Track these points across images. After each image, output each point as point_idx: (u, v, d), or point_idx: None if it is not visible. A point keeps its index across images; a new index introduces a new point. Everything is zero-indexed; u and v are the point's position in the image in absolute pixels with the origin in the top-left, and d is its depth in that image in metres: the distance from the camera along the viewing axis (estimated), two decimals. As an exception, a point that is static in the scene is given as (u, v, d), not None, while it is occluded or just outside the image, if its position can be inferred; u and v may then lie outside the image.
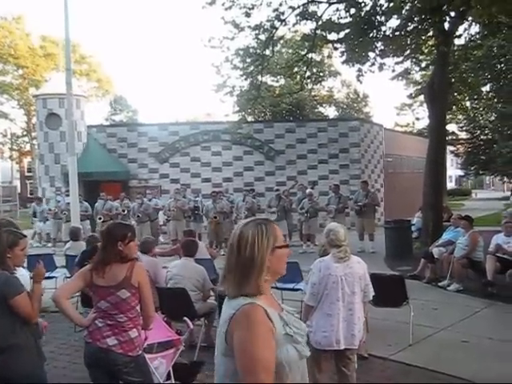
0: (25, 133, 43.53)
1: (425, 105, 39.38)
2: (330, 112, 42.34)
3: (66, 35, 13.53)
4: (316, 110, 38.17)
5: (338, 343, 4.47)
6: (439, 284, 10.13)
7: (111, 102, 48.62)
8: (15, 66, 40.35)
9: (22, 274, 4.28)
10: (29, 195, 47.14)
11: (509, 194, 47.38)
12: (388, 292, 6.61)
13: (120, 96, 49.18)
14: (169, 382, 4.85)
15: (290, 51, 30.08)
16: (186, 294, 6.34)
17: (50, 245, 17.42)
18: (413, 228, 14.99)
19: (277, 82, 33.54)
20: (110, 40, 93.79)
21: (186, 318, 5.69)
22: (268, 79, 30.86)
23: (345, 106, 42.88)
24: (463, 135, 46.57)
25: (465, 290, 9.64)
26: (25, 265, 4.70)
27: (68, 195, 15.24)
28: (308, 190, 16.06)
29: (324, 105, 41.48)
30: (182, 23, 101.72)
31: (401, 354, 6.39)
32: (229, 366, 2.20)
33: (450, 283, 9.86)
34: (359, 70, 14.57)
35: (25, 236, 4.21)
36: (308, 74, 18.48)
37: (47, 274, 7.80)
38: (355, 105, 43.49)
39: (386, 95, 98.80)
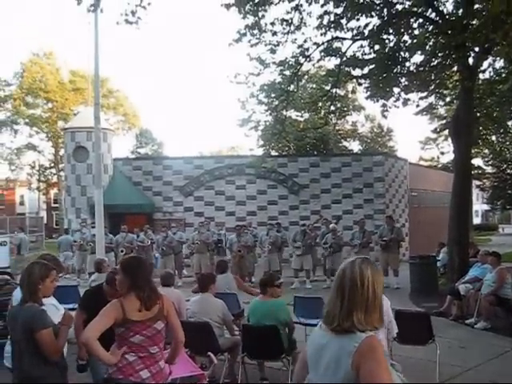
0: (52, 164, 44.36)
1: (449, 139, 39.38)
2: (354, 146, 42.41)
3: (96, 71, 13.85)
4: (340, 145, 38.22)
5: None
6: (466, 322, 9.95)
7: (137, 135, 49.42)
8: (45, 100, 41.45)
9: (51, 303, 4.35)
10: (55, 226, 47.77)
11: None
12: (413, 329, 6.51)
13: (145, 129, 49.98)
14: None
15: (314, 86, 30.35)
16: (210, 327, 6.32)
17: (72, 276, 17.57)
18: (438, 264, 14.81)
19: (301, 116, 33.77)
20: (137, 74, 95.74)
21: (210, 353, 5.67)
22: (292, 113, 31.10)
23: (369, 141, 42.88)
24: (489, 169, 46.13)
25: (492, 328, 9.45)
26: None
27: (93, 227, 15.39)
28: (332, 225, 15.99)
29: (348, 139, 41.53)
30: (208, 58, 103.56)
31: (427, 394, 6.26)
32: None
33: (477, 321, 9.68)
34: (383, 105, 14.61)
35: (54, 268, 4.28)
36: (332, 108, 18.55)
37: (71, 306, 7.86)
38: (379, 139, 43.47)
39: (411, 129, 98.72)
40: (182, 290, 9.25)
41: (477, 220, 57.02)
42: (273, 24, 14.00)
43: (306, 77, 21.79)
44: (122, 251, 16.19)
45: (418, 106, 15.74)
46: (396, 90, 14.35)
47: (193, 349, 6.02)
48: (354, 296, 2.47)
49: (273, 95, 16.40)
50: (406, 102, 14.59)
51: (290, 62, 14.69)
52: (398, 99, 14.52)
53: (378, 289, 2.49)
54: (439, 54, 13.82)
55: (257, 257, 16.47)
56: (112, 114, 43.48)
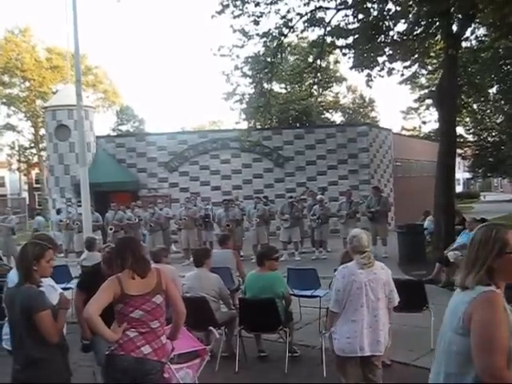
0: (32, 144, 43.72)
1: (431, 108, 39.52)
2: (337, 118, 42.39)
3: (76, 46, 13.55)
4: (323, 116, 38.18)
5: (361, 350, 4.45)
6: (455, 288, 10.06)
7: (118, 113, 48.83)
8: (22, 79, 40.63)
9: (49, 284, 4.29)
10: (37, 206, 47.35)
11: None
12: (408, 297, 6.55)
13: (126, 106, 49.39)
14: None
15: (296, 58, 30.15)
16: (207, 303, 6.33)
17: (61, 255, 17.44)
18: (425, 232, 14.95)
19: (285, 88, 33.59)
20: (115, 50, 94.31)
21: (211, 328, 5.68)
22: (275, 86, 30.95)
23: (351, 112, 42.90)
24: (470, 138, 46.44)
25: (482, 293, 9.57)
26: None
27: (80, 206, 15.26)
28: (319, 196, 16.06)
29: (330, 110, 41.50)
30: (188, 32, 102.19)
31: (424, 360, 6.34)
32: (464, 344, 2.51)
33: (466, 287, 9.79)
34: (368, 75, 14.55)
35: (50, 247, 4.21)
36: (316, 80, 18.45)
37: (63, 285, 7.81)
38: (361, 110, 43.51)
39: (392, 100, 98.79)
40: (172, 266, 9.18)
41: (458, 188, 57.47)
42: (255, -6, 13.82)
43: (288, 49, 21.60)
44: (111, 229, 16.11)
45: (402, 75, 15.75)
46: (380, 59, 14.31)
47: (190, 324, 6.02)
48: (468, 254, 2.68)
49: (257, 67, 16.26)
50: (390, 72, 14.57)
51: (274, 34, 14.55)
52: (382, 69, 14.48)
53: (484, 254, 2.59)
54: (422, 23, 13.77)
55: (244, 230, 16.48)
56: (91, 92, 42.79)
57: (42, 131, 37.75)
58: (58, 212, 19.40)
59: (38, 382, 3.76)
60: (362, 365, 4.59)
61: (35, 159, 44.93)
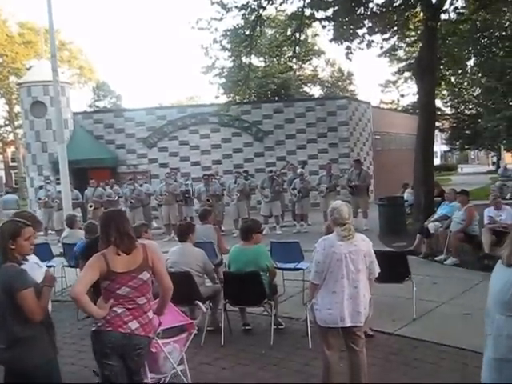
0: (7, 122, 42.96)
1: (409, 81, 39.62)
2: (315, 91, 42.26)
3: (50, 21, 13.27)
4: (301, 90, 38.02)
5: (342, 320, 4.49)
6: (436, 259, 10.24)
7: (94, 89, 48.14)
8: (-7, 55, 39.69)
9: (34, 262, 4.24)
10: (14, 185, 46.74)
11: (493, 167, 47.83)
12: (391, 268, 6.62)
13: (103, 82, 48.69)
14: (182, 366, 4.84)
15: (275, 31, 29.86)
16: (191, 277, 6.32)
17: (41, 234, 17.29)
18: (405, 204, 15.07)
19: (264, 61, 33.33)
20: (89, 25, 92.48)
21: (198, 302, 5.69)
22: (254, 60, 30.69)
23: (329, 85, 42.80)
24: (448, 111, 46.76)
25: (461, 263, 9.75)
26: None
27: (58, 183, 15.10)
28: (299, 170, 16.07)
29: (309, 84, 41.34)
30: (165, 4, 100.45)
31: (406, 329, 6.45)
32: None
33: (446, 257, 9.97)
34: (348, 48, 14.46)
35: (29, 225, 4.14)
36: (295, 53, 18.31)
37: (45, 264, 7.73)
38: (340, 83, 43.42)
39: (370, 73, 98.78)
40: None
41: (436, 161, 57.91)
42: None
43: (267, 22, 21.36)
44: (91, 206, 15.98)
45: (381, 47, 15.67)
46: (360, 31, 14.21)
47: (174, 299, 6.01)
48: None
49: (236, 41, 16.07)
50: (370, 44, 14.48)
51: (253, 6, 14.35)
52: (362, 41, 14.38)
53: None
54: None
55: (225, 205, 16.47)
56: (67, 68, 42.02)
57: (17, 108, 37.09)
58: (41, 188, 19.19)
59: (23, 361, 3.73)
60: (344, 335, 4.65)
61: (11, 137, 44.19)
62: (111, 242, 3.88)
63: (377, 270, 4.72)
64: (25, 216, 4.62)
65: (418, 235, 10.90)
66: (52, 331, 4.03)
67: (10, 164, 51.37)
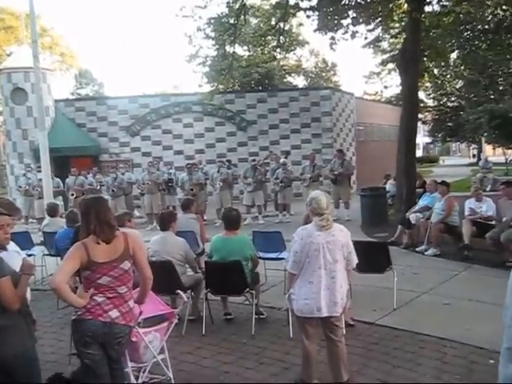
0: (-14, 109, 42.29)
1: (393, 73, 39.70)
2: (299, 81, 42.13)
3: (31, 6, 13.04)
4: (285, 80, 37.88)
5: (319, 310, 4.51)
6: (417, 249, 10.32)
7: (76, 76, 47.57)
8: (-28, 39, 39.00)
9: (14, 250, 4.19)
10: (-6, 173, 46.09)
11: (475, 160, 48.26)
12: (372, 258, 6.68)
13: (85, 70, 48.13)
14: (162, 355, 4.83)
15: (259, 20, 29.72)
16: (173, 266, 6.30)
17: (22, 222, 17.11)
18: (387, 195, 15.17)
19: (249, 51, 33.17)
20: (71, 12, 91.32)
21: (179, 291, 5.67)
22: (238, 49, 30.56)
23: (313, 76, 42.67)
24: (430, 103, 46.98)
25: (442, 254, 9.84)
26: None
27: (39, 171, 14.93)
28: (282, 160, 16.09)
29: (293, 74, 41.19)
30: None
31: (386, 319, 6.50)
32: None
33: (427, 248, 10.05)
34: (332, 38, 14.48)
35: (4, 213, 4.08)
36: (280, 43, 18.29)
37: (25, 252, 7.65)
38: (324, 74, 43.31)
39: (354, 64, 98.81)
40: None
41: (418, 153, 58.29)
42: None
43: (252, 11, 21.29)
44: (72, 194, 15.85)
45: (366, 38, 15.74)
46: (344, 22, 14.23)
47: (156, 288, 5.99)
48: None
49: (220, 29, 16.00)
50: (354, 35, 14.53)
51: (237, -6, 14.30)
52: (346, 32, 14.42)
53: None
54: (387, -15, 13.72)
55: (208, 194, 16.44)
56: (48, 54, 41.46)
57: (-2, 95, 36.58)
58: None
59: (1, 350, 3.69)
60: (322, 325, 4.67)
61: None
62: (91, 231, 3.84)
63: (355, 260, 4.72)
64: (2, 203, 4.56)
65: (399, 226, 10.97)
66: (30, 320, 3.99)
67: (-10, 151, 50.67)
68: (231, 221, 6.57)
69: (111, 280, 3.81)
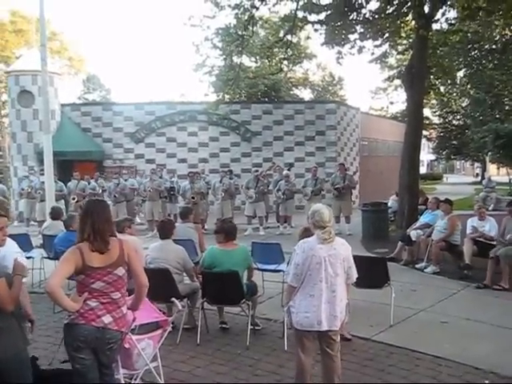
0: (-7, 110, 42.44)
1: (399, 89, 39.80)
2: (306, 94, 42.33)
3: (41, 10, 13.15)
4: (291, 92, 38.06)
5: (319, 324, 4.48)
6: (416, 266, 10.27)
7: (84, 81, 47.78)
8: (-17, 42, 39.22)
9: (17, 252, 4.19)
10: (-2, 174, 46.19)
11: (478, 179, 48.22)
12: (370, 274, 6.64)
13: (93, 75, 48.35)
14: (155, 363, 4.81)
15: (267, 32, 29.88)
16: (170, 274, 6.28)
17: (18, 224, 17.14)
18: (388, 211, 15.12)
19: (256, 62, 33.33)
20: (82, 17, 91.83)
21: (174, 299, 5.65)
22: (245, 60, 30.71)
23: (320, 89, 42.86)
24: (436, 120, 47.08)
25: (441, 272, 9.78)
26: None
27: (42, 174, 14.96)
28: (285, 172, 16.08)
29: (299, 87, 41.39)
30: (157, 1, 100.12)
31: (382, 335, 6.46)
32: None
33: (427, 265, 10.00)
34: (339, 52, 14.54)
35: (3, 215, 4.07)
36: (287, 55, 18.37)
37: (25, 255, 7.64)
38: (330, 88, 43.51)
39: (361, 79, 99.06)
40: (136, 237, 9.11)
41: (422, 169, 58.31)
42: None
43: (260, 22, 21.41)
44: (73, 199, 15.85)
45: (372, 53, 15.76)
46: (352, 37, 14.29)
47: (152, 295, 5.98)
48: None
49: (227, 40, 16.07)
50: (361, 50, 14.57)
51: (246, 6, 14.36)
52: (353, 46, 14.47)
53: None
54: (395, 2, 13.77)
55: (209, 204, 16.44)
56: (57, 58, 41.66)
57: (5, 97, 36.71)
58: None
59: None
60: (319, 339, 4.64)
61: (-4, 125, 43.70)
62: (85, 239, 3.84)
63: (355, 275, 4.70)
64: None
65: (399, 242, 10.94)
66: (22, 322, 3.98)
67: (-5, 153, 50.80)
68: (230, 231, 6.56)
69: (105, 285, 3.80)
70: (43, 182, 14.55)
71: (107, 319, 3.80)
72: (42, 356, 5.84)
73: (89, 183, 16.63)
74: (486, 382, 4.92)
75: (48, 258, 9.14)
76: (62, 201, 15.89)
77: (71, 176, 16.93)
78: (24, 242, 9.12)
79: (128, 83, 67.08)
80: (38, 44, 16.85)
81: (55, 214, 9.65)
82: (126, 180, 16.61)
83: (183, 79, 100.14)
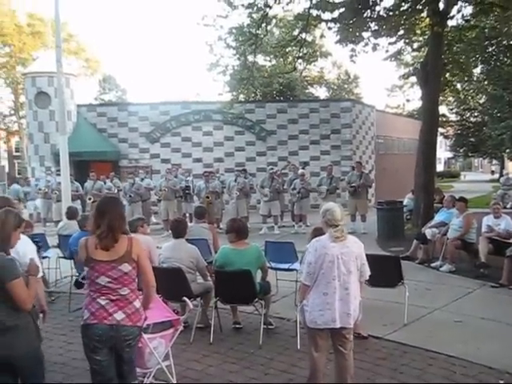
0: (12, 112, 42.94)
1: (415, 86, 39.52)
2: (321, 93, 42.17)
3: (56, 12, 13.30)
4: (307, 91, 37.96)
5: (333, 321, 4.48)
6: (431, 265, 10.19)
7: (100, 82, 48.12)
8: (1, 44, 39.67)
9: (26, 249, 4.29)
10: (17, 175, 46.73)
11: (496, 176, 47.73)
12: (384, 272, 6.61)
13: (109, 75, 48.69)
14: (167, 362, 4.83)
15: (282, 31, 29.84)
16: (183, 273, 6.30)
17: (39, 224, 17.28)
18: (404, 209, 15.03)
19: (270, 61, 33.30)
20: (98, 19, 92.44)
21: (185, 298, 5.67)
22: (260, 59, 30.69)
23: (335, 87, 42.70)
24: (453, 117, 46.65)
25: (457, 270, 9.70)
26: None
27: (58, 175, 15.11)
28: (300, 171, 16.06)
29: (315, 85, 41.25)
30: (171, 1, 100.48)
31: (396, 334, 6.42)
32: None
33: (442, 264, 9.92)
34: (353, 50, 14.47)
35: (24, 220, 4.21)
36: (301, 54, 18.32)
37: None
38: (346, 86, 43.34)
39: (377, 77, 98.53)
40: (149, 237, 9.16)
41: (440, 167, 57.95)
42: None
43: (273, 21, 21.40)
44: (89, 199, 15.97)
45: (387, 51, 15.67)
46: (366, 34, 14.21)
47: (165, 294, 6.02)
48: None
49: (241, 39, 16.06)
50: (375, 47, 14.49)
51: (259, 5, 14.35)
52: (367, 44, 14.39)
53: None
54: (409, -1, 13.67)
55: (224, 203, 16.46)
56: (73, 59, 41.99)
57: (23, 98, 37.09)
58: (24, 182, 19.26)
59: (11, 349, 3.73)
60: (332, 337, 4.63)
61: (15, 127, 44.19)
62: (97, 235, 3.89)
63: (367, 272, 4.69)
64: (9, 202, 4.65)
65: (414, 241, 10.86)
66: (37, 320, 4.05)
67: (14, 154, 51.33)
68: (241, 230, 6.56)
69: (110, 281, 3.82)
70: (59, 183, 14.70)
71: (119, 316, 3.81)
72: (56, 354, 5.92)
73: (105, 183, 16.76)
74: (501, 382, 4.87)
75: (64, 257, 9.23)
76: (78, 201, 16.03)
77: (87, 176, 17.08)
78: (40, 241, 9.23)
79: (143, 83, 67.55)
80: (54, 46, 17.03)
81: (71, 214, 9.74)
82: (141, 180, 16.69)
83: (198, 79, 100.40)
